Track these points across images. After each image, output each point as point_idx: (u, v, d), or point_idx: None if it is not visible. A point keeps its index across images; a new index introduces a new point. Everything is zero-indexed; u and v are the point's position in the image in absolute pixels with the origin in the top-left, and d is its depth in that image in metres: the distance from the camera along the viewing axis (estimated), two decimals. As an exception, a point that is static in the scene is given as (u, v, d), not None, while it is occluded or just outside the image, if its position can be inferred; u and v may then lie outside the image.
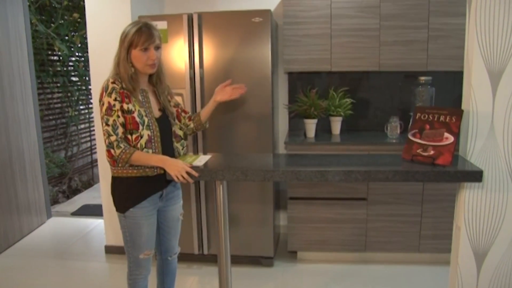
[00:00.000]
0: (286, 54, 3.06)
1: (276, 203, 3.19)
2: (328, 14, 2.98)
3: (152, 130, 1.89)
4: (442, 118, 1.78)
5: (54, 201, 4.67)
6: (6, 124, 3.54)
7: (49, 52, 4.68)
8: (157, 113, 1.96)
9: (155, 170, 1.90)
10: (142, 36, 1.81)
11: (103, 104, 1.83)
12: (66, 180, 5.00)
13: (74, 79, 5.05)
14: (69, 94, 4.99)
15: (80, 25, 4.60)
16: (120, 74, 1.84)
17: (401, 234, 2.97)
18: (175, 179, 1.82)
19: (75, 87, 5.05)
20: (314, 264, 3.08)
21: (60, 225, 4.04)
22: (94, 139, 5.43)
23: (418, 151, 1.81)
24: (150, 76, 1.97)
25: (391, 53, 2.98)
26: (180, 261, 2.30)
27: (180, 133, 2.07)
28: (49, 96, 4.75)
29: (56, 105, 4.88)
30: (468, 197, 1.76)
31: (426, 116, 1.84)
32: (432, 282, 2.81)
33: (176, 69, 2.82)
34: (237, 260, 2.97)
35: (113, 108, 1.82)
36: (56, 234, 3.85)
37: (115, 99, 1.82)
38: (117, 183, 1.93)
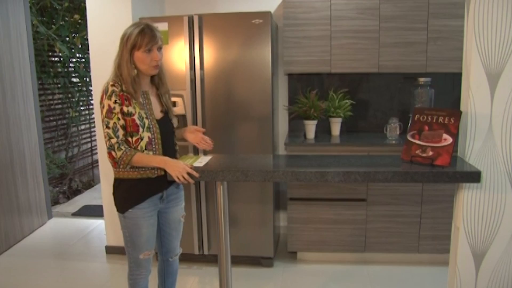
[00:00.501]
0: (286, 56, 3.08)
1: (276, 203, 3.20)
2: (328, 15, 3.00)
3: (152, 132, 1.90)
4: (440, 119, 1.80)
5: (55, 202, 4.69)
6: (7, 124, 3.55)
7: (50, 53, 4.70)
8: (158, 115, 1.97)
9: (156, 172, 1.91)
10: (145, 37, 1.81)
11: (103, 107, 1.85)
12: (67, 180, 5.01)
13: (74, 80, 5.07)
14: (69, 95, 5.01)
15: (80, 27, 4.61)
16: (123, 76, 1.84)
17: (401, 235, 2.98)
18: (176, 179, 1.83)
19: (76, 88, 5.07)
20: (313, 265, 3.09)
21: (60, 225, 4.05)
22: (95, 140, 5.45)
23: (417, 152, 1.83)
24: (152, 77, 1.98)
25: (390, 54, 3.00)
26: (180, 261, 2.31)
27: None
28: (50, 97, 4.77)
29: (56, 106, 4.89)
30: (467, 198, 1.78)
31: (425, 117, 1.85)
32: (431, 282, 2.82)
33: (177, 71, 2.84)
34: (237, 260, 2.98)
35: (113, 111, 1.83)
36: (57, 234, 3.86)
37: (115, 102, 1.83)
38: (118, 184, 1.95)
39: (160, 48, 1.88)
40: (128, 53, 1.83)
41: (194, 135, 2.15)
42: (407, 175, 1.73)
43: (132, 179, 1.90)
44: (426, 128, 1.83)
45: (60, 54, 4.66)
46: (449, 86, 3.25)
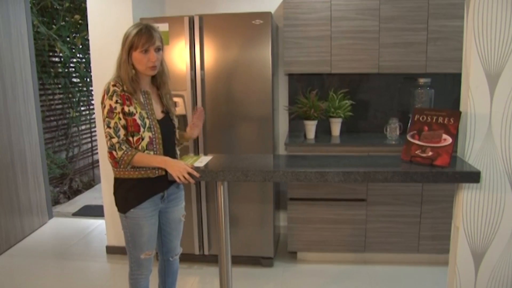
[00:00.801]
0: (286, 56, 3.08)
1: (276, 203, 3.21)
2: (328, 16, 3.00)
3: (153, 132, 1.90)
4: (440, 120, 1.80)
5: (55, 202, 4.69)
6: (8, 124, 3.56)
7: (51, 54, 4.71)
8: (159, 115, 1.97)
9: (156, 172, 1.92)
10: (142, 38, 1.82)
11: (104, 107, 1.85)
12: (67, 180, 5.02)
13: (75, 80, 5.08)
14: (70, 95, 5.01)
15: (81, 27, 4.62)
16: (121, 76, 1.86)
17: (400, 235, 2.99)
18: (177, 179, 1.84)
19: (76, 89, 5.08)
20: (313, 265, 3.10)
21: (61, 225, 4.06)
22: (95, 140, 5.45)
23: (416, 152, 1.83)
24: (154, 77, 1.99)
25: (390, 55, 3.00)
26: (181, 261, 2.31)
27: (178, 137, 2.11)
28: (51, 97, 4.78)
29: (57, 106, 4.90)
30: (466, 198, 1.78)
31: (425, 117, 1.86)
32: (431, 282, 2.83)
33: (177, 71, 2.85)
34: (237, 260, 2.99)
35: (114, 111, 1.84)
36: (57, 234, 3.87)
37: (116, 102, 1.84)
38: (118, 184, 1.96)
39: (158, 49, 1.88)
40: (126, 53, 1.85)
41: (193, 126, 2.16)
42: (406, 175, 1.74)
43: (132, 179, 1.91)
44: (426, 128, 1.84)
45: (60, 54, 4.67)
46: (448, 86, 3.26)
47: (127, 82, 1.85)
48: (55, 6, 4.48)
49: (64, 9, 4.50)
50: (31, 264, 3.23)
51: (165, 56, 2.01)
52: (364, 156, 2.15)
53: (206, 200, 3.00)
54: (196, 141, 2.93)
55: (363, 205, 2.97)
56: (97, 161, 5.17)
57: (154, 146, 1.91)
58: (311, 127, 3.12)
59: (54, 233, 3.90)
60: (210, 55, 2.83)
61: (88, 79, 5.05)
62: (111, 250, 3.36)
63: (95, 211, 4.30)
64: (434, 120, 1.82)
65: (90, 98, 5.26)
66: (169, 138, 2.00)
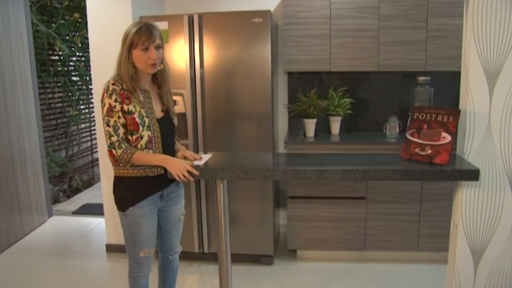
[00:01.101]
0: (286, 54, 3.08)
1: (276, 202, 3.21)
2: (328, 14, 3.00)
3: (152, 131, 1.90)
4: (439, 118, 1.81)
5: (55, 200, 4.70)
6: (8, 123, 3.56)
7: (50, 52, 4.70)
8: (159, 114, 1.97)
9: (155, 170, 1.92)
10: (142, 36, 1.82)
11: (104, 105, 1.86)
12: (67, 179, 5.02)
13: (74, 78, 5.08)
14: (69, 94, 5.01)
15: (81, 25, 4.62)
16: (121, 74, 1.86)
17: (400, 233, 2.99)
18: (177, 178, 1.84)
19: (76, 87, 5.08)
20: (313, 263, 3.11)
21: (61, 224, 4.06)
22: (95, 139, 5.46)
23: (416, 150, 1.84)
24: (154, 76, 1.99)
25: (390, 53, 3.00)
26: (180, 259, 2.32)
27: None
28: (50, 95, 4.78)
29: (57, 105, 4.90)
30: (466, 196, 1.79)
31: (424, 115, 1.86)
32: (431, 280, 2.84)
33: (177, 69, 2.85)
34: (237, 258, 2.99)
35: (114, 109, 1.84)
36: (57, 233, 3.87)
37: (116, 100, 1.84)
38: (118, 183, 1.96)
39: (158, 47, 1.88)
40: (126, 51, 1.85)
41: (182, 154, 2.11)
42: (406, 173, 1.74)
43: (132, 178, 1.91)
44: (425, 126, 1.84)
45: (60, 53, 4.67)
46: (448, 84, 3.26)
47: (127, 81, 1.85)
48: (54, 5, 4.47)
49: (63, 8, 4.50)
50: (31, 263, 3.24)
51: (164, 54, 2.01)
52: (363, 154, 2.15)
53: (206, 198, 3.00)
54: (195, 139, 2.93)
55: (362, 203, 2.98)
56: (97, 159, 5.18)
57: (153, 145, 1.91)
58: (310, 125, 3.12)
59: (54, 231, 3.91)
60: (210, 53, 2.83)
61: (87, 78, 5.05)
62: (111, 248, 3.37)
63: (94, 210, 4.31)
64: (433, 118, 1.82)
65: (90, 96, 5.26)
66: (169, 137, 2.01)
